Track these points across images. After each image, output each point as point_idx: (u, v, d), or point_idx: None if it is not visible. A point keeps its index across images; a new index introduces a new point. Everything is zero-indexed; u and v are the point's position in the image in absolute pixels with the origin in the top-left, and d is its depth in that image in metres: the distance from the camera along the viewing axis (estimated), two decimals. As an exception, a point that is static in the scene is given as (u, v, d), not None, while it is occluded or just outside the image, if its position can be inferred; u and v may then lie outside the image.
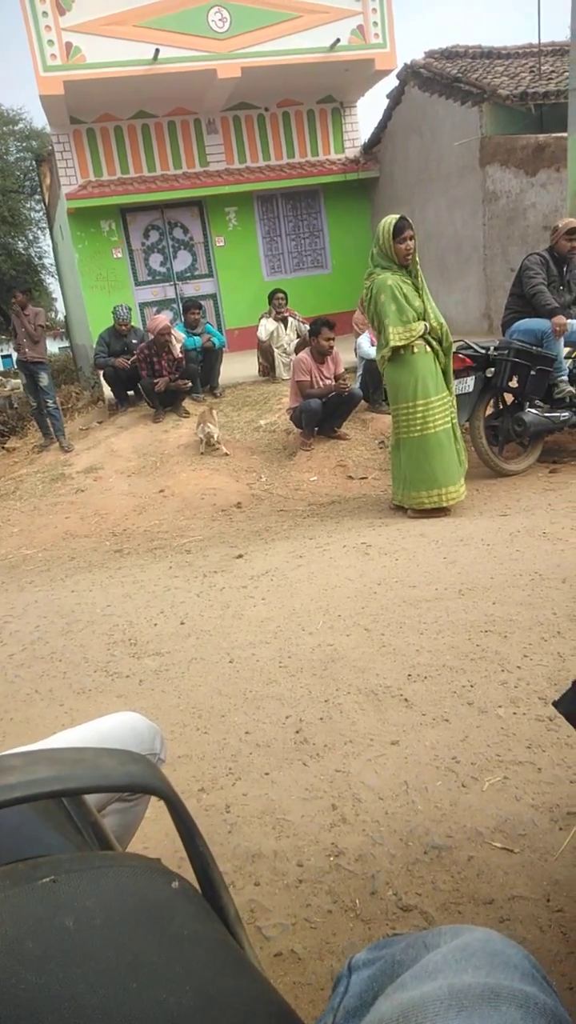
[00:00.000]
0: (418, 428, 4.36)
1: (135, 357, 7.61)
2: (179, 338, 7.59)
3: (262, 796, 1.93)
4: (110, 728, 1.20)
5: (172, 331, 7.42)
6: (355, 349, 7.22)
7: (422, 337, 4.29)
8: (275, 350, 8.27)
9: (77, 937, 0.51)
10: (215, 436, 6.73)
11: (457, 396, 4.64)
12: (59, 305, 21.83)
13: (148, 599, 3.72)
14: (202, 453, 6.75)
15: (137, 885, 0.58)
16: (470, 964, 0.50)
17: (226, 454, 6.70)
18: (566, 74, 7.71)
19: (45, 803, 0.76)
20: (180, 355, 7.47)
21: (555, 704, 1.22)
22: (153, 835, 1.69)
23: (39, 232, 19.85)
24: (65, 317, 18.19)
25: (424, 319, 4.30)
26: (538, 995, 0.48)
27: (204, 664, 2.82)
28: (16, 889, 0.54)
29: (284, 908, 1.55)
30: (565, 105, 6.82)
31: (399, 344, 4.25)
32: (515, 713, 2.13)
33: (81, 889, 0.55)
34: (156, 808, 1.42)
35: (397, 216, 4.29)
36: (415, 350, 4.30)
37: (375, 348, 4.89)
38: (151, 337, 7.43)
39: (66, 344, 19.88)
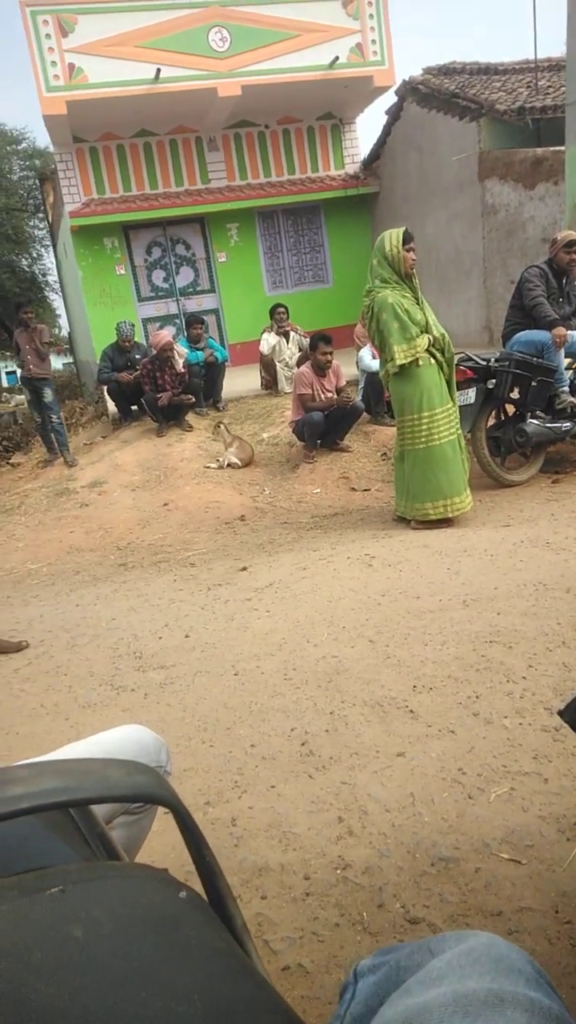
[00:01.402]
0: (423, 440, 4.38)
1: (138, 372, 7.66)
2: (182, 353, 7.64)
3: (268, 809, 1.92)
4: (116, 741, 1.21)
5: (175, 346, 7.47)
6: (357, 362, 7.26)
7: (426, 349, 4.33)
8: (277, 364, 8.31)
9: (86, 946, 0.51)
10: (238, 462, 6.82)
11: (459, 407, 4.66)
12: (63, 321, 21.99)
13: (153, 612, 3.72)
14: (213, 467, 6.78)
15: (145, 895, 0.59)
16: (475, 970, 0.50)
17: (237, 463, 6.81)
18: (563, 89, 7.79)
19: (52, 814, 0.76)
20: (183, 370, 7.51)
21: (560, 713, 1.22)
22: (159, 848, 1.69)
23: (43, 250, 20.02)
24: (69, 333, 18.31)
25: (427, 331, 4.33)
26: (543, 1000, 0.48)
27: (209, 677, 2.81)
28: (25, 899, 0.54)
29: (291, 921, 1.54)
30: (562, 119, 6.88)
31: (404, 362, 4.28)
32: (521, 724, 2.12)
33: (89, 899, 0.56)
34: (162, 822, 1.42)
35: (402, 228, 4.37)
36: (419, 363, 4.32)
37: (377, 362, 4.91)
38: (154, 352, 7.48)
39: (70, 360, 20.00)
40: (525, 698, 2.25)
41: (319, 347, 6.25)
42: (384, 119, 11.38)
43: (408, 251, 4.29)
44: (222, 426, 7.17)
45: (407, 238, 4.29)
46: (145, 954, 0.52)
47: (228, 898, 0.67)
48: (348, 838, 1.77)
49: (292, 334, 8.28)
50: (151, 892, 0.59)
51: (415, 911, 1.52)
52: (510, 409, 5.28)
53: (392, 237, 4.31)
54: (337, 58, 10.52)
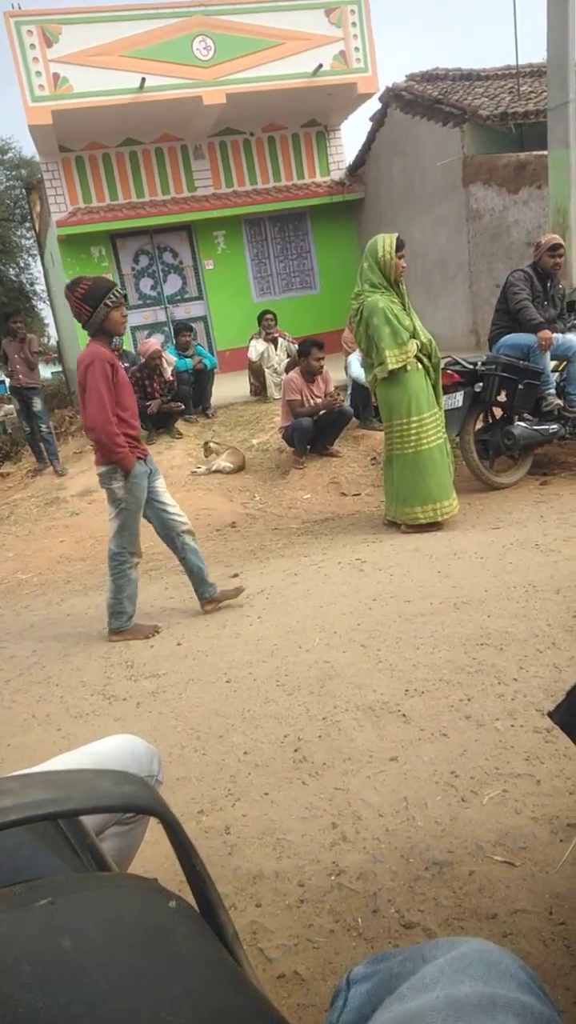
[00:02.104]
0: (412, 444, 4.39)
1: (127, 380, 7.64)
2: (170, 361, 7.64)
3: (262, 816, 1.92)
4: (108, 751, 1.20)
5: (163, 354, 7.47)
6: (345, 368, 7.27)
7: (414, 355, 4.35)
8: (266, 370, 8.33)
9: (75, 958, 0.51)
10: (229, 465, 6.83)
11: (447, 411, 4.68)
12: (51, 330, 21.97)
13: (144, 620, 3.71)
14: (200, 471, 6.79)
15: (134, 905, 0.59)
16: (467, 975, 0.50)
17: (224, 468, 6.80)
18: (544, 94, 7.85)
19: (42, 826, 0.76)
20: (171, 377, 7.51)
21: (549, 714, 1.23)
22: (153, 858, 1.68)
23: (30, 259, 20.02)
24: (57, 342, 18.30)
25: (415, 337, 4.35)
26: (535, 1004, 0.48)
27: (201, 684, 2.81)
28: (13, 912, 0.54)
29: (286, 929, 1.54)
30: (544, 124, 6.93)
31: (396, 367, 4.29)
32: (513, 726, 2.13)
33: (78, 910, 0.55)
34: (155, 831, 1.41)
35: (395, 233, 4.37)
36: (408, 368, 4.34)
37: (365, 368, 4.93)
38: (142, 361, 7.48)
39: (59, 369, 19.97)
40: (516, 700, 2.26)
41: (312, 353, 6.26)
42: (368, 126, 11.46)
43: (401, 257, 4.31)
44: (210, 444, 7.16)
45: (399, 245, 4.30)
46: (135, 965, 0.52)
47: (219, 907, 0.67)
48: (342, 844, 1.77)
49: (280, 340, 8.29)
50: (141, 903, 0.59)
51: (410, 916, 1.52)
52: (498, 412, 5.30)
53: (385, 243, 4.31)
54: (321, 66, 10.59)
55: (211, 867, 1.75)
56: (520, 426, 5.09)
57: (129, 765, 1.17)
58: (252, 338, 8.40)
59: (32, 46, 9.59)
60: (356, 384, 6.89)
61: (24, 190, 17.71)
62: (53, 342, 21.04)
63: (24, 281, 20.55)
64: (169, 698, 2.75)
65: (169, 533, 3.57)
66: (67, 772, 0.67)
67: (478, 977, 0.50)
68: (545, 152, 7.08)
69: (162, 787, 1.28)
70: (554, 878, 1.55)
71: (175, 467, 7.01)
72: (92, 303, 3.18)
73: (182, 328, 8.24)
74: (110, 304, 3.20)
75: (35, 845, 0.73)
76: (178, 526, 3.55)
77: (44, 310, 21.40)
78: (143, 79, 9.82)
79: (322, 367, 6.32)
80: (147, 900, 0.59)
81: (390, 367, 4.29)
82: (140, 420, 7.46)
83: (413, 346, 4.31)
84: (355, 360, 6.90)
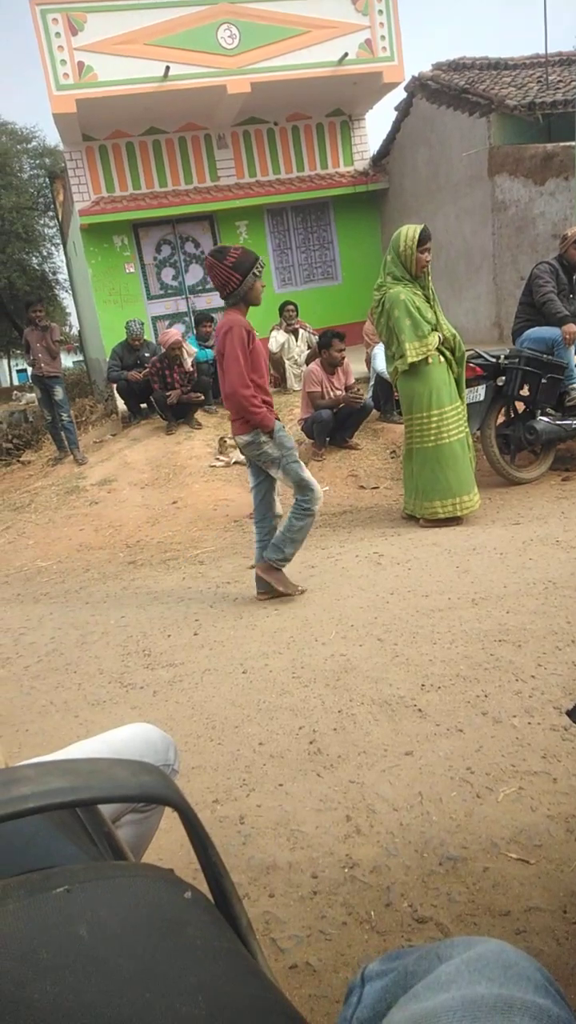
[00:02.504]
0: (432, 438, 4.37)
1: (147, 370, 7.67)
2: (190, 351, 7.65)
3: (276, 807, 1.93)
4: (124, 739, 1.21)
5: (183, 345, 7.49)
6: (368, 360, 7.24)
7: (436, 348, 4.31)
8: (286, 362, 8.31)
9: (91, 946, 0.51)
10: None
11: (468, 405, 4.64)
12: (73, 319, 22.05)
13: (162, 610, 3.73)
14: (219, 464, 6.80)
15: (150, 895, 0.59)
16: (483, 976, 0.50)
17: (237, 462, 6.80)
18: (573, 83, 7.74)
19: (59, 813, 0.76)
20: (191, 368, 7.52)
21: (568, 713, 1.22)
22: (167, 846, 1.69)
23: (53, 248, 20.05)
24: (79, 331, 18.37)
25: (437, 330, 4.31)
26: (552, 1007, 0.47)
27: (217, 675, 2.82)
28: (31, 899, 0.54)
29: (299, 920, 1.54)
30: (573, 114, 6.84)
31: (416, 359, 4.26)
32: (530, 723, 2.11)
33: (95, 899, 0.56)
34: (170, 819, 1.43)
35: (421, 225, 4.31)
36: (429, 361, 4.31)
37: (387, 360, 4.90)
38: (163, 351, 7.49)
39: (80, 358, 20.07)
40: (534, 697, 2.25)
41: (334, 344, 6.25)
42: (393, 115, 11.34)
43: (423, 252, 4.24)
44: (226, 439, 7.18)
45: (423, 239, 4.22)
46: (150, 954, 0.52)
47: (233, 898, 0.67)
48: (356, 837, 1.77)
49: (301, 331, 8.27)
50: (156, 892, 0.59)
51: (423, 910, 1.52)
52: (520, 406, 5.25)
53: (407, 236, 4.25)
54: (346, 54, 10.48)
55: (225, 856, 1.76)
56: (543, 421, 5.05)
57: (145, 754, 1.18)
58: (273, 329, 8.38)
59: (57, 34, 9.59)
60: (380, 378, 6.86)
61: (48, 179, 17.75)
62: (75, 331, 21.13)
63: (47, 270, 20.60)
64: (185, 687, 2.76)
65: (268, 508, 3.67)
66: (85, 761, 0.67)
67: (495, 978, 0.49)
68: (573, 143, 6.97)
69: (178, 776, 1.29)
70: (569, 876, 1.54)
71: (194, 457, 7.03)
72: (242, 272, 3.25)
73: (203, 318, 8.24)
74: (257, 274, 3.28)
75: (52, 832, 0.73)
76: (276, 507, 3.69)
77: (66, 299, 21.42)
78: (167, 68, 9.79)
79: (343, 359, 6.30)
80: (163, 890, 0.60)
81: (410, 360, 4.26)
82: (161, 409, 7.61)
83: (434, 339, 4.27)
84: (380, 353, 6.87)
